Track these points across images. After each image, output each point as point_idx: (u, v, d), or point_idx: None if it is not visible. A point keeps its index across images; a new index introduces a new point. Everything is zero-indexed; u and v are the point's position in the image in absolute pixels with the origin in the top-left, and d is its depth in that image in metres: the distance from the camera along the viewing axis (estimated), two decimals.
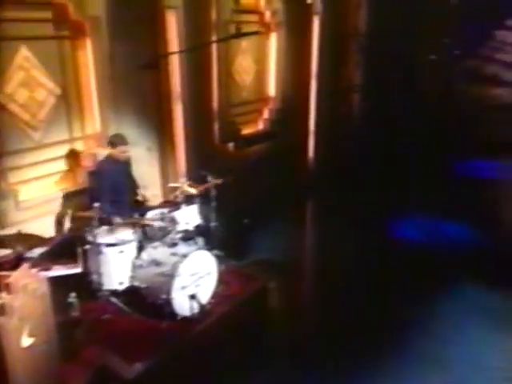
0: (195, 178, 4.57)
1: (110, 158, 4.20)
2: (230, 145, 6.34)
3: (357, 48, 8.15)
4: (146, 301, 3.70)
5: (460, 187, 7.38)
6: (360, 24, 8.12)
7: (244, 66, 6.60)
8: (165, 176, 5.40)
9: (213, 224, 4.32)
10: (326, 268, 5.54)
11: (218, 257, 4.10)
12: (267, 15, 6.72)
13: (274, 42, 6.94)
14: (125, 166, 4.33)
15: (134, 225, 3.87)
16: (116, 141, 4.17)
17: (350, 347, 3.87)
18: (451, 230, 5.96)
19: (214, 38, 5.71)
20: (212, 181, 4.24)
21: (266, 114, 7.07)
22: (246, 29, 6.36)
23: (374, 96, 8.54)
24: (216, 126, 6.06)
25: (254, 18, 6.63)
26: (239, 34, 4.09)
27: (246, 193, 5.86)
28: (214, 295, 3.89)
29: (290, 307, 4.69)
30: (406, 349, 3.87)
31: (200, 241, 4.20)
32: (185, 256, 3.66)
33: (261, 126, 7.05)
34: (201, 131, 5.80)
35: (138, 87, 4.94)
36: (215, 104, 5.98)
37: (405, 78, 9.36)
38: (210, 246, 4.16)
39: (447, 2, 12.10)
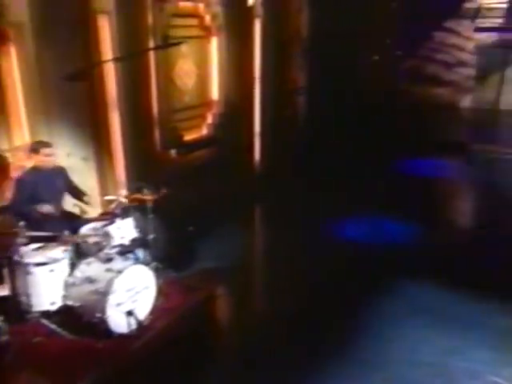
0: (133, 189, 4.52)
1: (34, 169, 4.07)
2: (173, 151, 6.31)
3: (300, 50, 8.31)
4: (81, 320, 3.62)
5: (402, 185, 7.72)
6: (302, 27, 8.29)
7: (185, 70, 6.57)
8: (103, 187, 5.29)
9: (151, 236, 4.28)
10: (272, 272, 5.63)
11: (157, 269, 4.08)
12: (207, 19, 6.72)
13: (215, 46, 6.95)
14: (53, 176, 4.17)
15: (65, 241, 3.77)
16: (37, 146, 4.06)
17: (294, 349, 3.95)
18: (391, 229, 6.20)
19: (151, 43, 5.65)
20: (147, 194, 4.20)
21: (209, 119, 7.08)
22: (185, 33, 6.49)
23: (318, 97, 8.76)
24: (157, 133, 6.01)
25: (193, 21, 6.62)
26: (165, 45, 4.05)
27: (190, 200, 5.86)
28: (153, 309, 3.87)
29: (236, 315, 4.73)
30: (347, 349, 3.99)
31: (138, 254, 4.16)
32: (120, 271, 3.61)
33: (204, 130, 7.04)
34: (141, 139, 5.73)
35: (71, 95, 4.81)
36: (155, 110, 5.93)
37: (348, 79, 9.66)
38: (148, 259, 4.13)
39: (388, 4, 12.60)
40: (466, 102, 13.57)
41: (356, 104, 9.78)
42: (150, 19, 5.59)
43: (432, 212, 6.63)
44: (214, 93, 7.13)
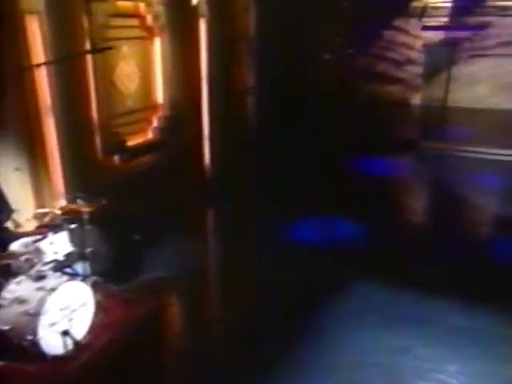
0: (70, 200, 4.36)
1: None
2: (116, 158, 6.14)
3: (248, 50, 8.30)
4: (11, 343, 3.44)
5: (353, 185, 7.86)
6: (249, 26, 8.28)
7: (127, 72, 6.40)
8: (39, 199, 5.06)
9: (89, 249, 4.14)
10: (224, 279, 5.59)
11: (96, 284, 3.95)
12: (149, 19, 6.59)
13: (158, 47, 6.82)
14: None
15: None
16: None
17: (243, 354, 3.95)
18: (340, 229, 6.29)
19: (87, 44, 5.47)
20: (84, 206, 4.05)
21: (155, 123, 6.94)
22: (125, 34, 6.33)
23: (268, 97, 8.78)
24: (98, 139, 5.83)
25: (134, 22, 6.46)
26: (96, 50, 3.93)
27: (136, 207, 5.72)
28: (92, 327, 3.74)
29: (184, 327, 4.66)
30: (296, 354, 4.02)
31: (77, 269, 4.02)
32: (53, 289, 3.46)
33: (150, 135, 6.90)
34: (79, 146, 5.53)
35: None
36: (95, 115, 5.74)
37: (299, 78, 9.75)
38: (87, 273, 3.99)
39: (338, 2, 12.83)
40: (416, 99, 14.05)
41: (307, 103, 9.89)
42: (84, 19, 5.41)
43: (382, 211, 6.79)
44: (159, 95, 7.00)
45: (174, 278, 5.18)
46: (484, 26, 13.45)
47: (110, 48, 4.63)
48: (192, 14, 7.20)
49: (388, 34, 14.52)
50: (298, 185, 7.67)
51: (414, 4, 13.78)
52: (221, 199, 7.40)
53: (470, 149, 9.82)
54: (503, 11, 12.65)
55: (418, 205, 7.66)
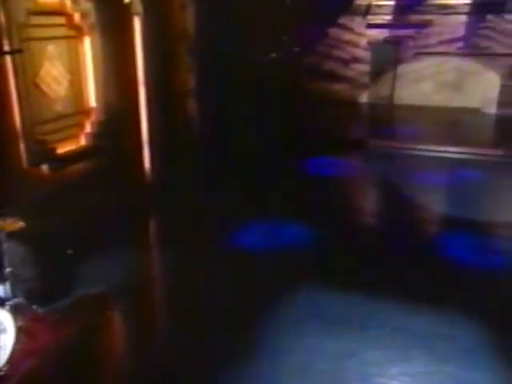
0: None
1: None
2: (44, 167, 5.86)
3: (187, 50, 8.21)
4: None
5: (301, 186, 7.95)
6: (188, 24, 8.19)
7: (54, 75, 6.13)
8: None
9: (8, 270, 3.89)
10: (167, 291, 5.47)
11: (17, 307, 3.72)
12: (76, 17, 6.35)
13: (89, 47, 6.59)
14: None
15: None
16: None
17: (185, 366, 3.87)
18: (289, 231, 6.32)
19: (5, 45, 5.19)
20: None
21: (88, 128, 6.70)
22: (50, 33, 6.07)
23: (212, 99, 8.72)
24: (22, 148, 5.54)
25: (60, 20, 6.21)
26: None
27: (69, 219, 5.49)
28: (13, 355, 3.52)
29: (121, 345, 4.51)
30: (239, 365, 3.96)
31: None
32: None
33: (83, 141, 6.65)
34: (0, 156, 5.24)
35: None
36: (17, 122, 5.46)
37: (244, 78, 9.75)
38: (7, 296, 3.75)
39: (282, 0, 12.98)
40: (363, 97, 14.46)
41: (253, 103, 9.91)
42: (1, 18, 5.13)
43: (327, 211, 6.89)
44: (92, 99, 6.76)
45: (111, 294, 5.00)
46: (426, 24, 14.04)
47: (20, 51, 4.39)
48: (125, 12, 7.02)
49: (334, 32, 14.86)
50: (243, 187, 7.66)
51: (358, 2, 14.21)
52: (163, 205, 7.26)
53: (416, 146, 10.17)
54: (443, 9, 13.26)
55: (363, 205, 7.83)
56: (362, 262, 5.46)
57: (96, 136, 6.77)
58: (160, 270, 6.15)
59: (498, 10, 12.90)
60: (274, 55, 12.12)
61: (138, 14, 7.20)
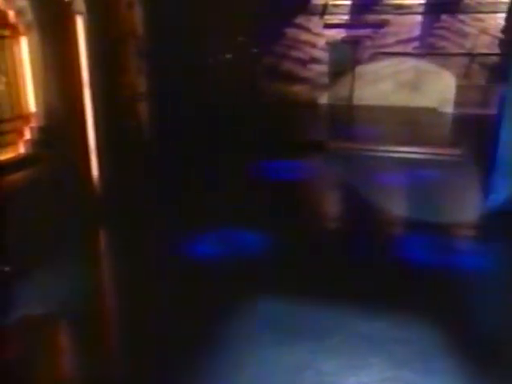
0: None
1: None
2: None
3: (136, 52, 8.05)
4: None
5: (258, 190, 7.91)
6: (136, 24, 8.03)
7: None
8: None
9: None
10: (117, 304, 5.30)
11: None
12: (11, 15, 6.09)
13: (26, 48, 6.33)
14: None
15: None
16: None
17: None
18: (242, 239, 6.26)
19: None
20: None
21: (27, 134, 6.42)
22: None
23: (164, 102, 8.58)
24: None
25: None
26: None
27: (4, 233, 5.25)
28: None
29: (66, 364, 4.32)
30: (194, 379, 3.87)
31: None
32: None
33: (22, 148, 6.37)
34: None
35: None
36: None
37: (198, 80, 9.66)
38: None
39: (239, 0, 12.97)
40: (323, 98, 14.64)
41: (208, 106, 9.83)
42: None
43: (284, 217, 6.88)
44: (31, 103, 6.49)
45: (55, 313, 4.80)
46: (383, 24, 14.38)
47: None
48: (66, 11, 6.80)
49: (291, 32, 14.99)
50: (198, 194, 7.56)
51: (315, 1, 14.40)
52: (111, 216, 7.07)
53: (375, 147, 10.36)
54: (399, 9, 13.62)
55: (321, 208, 7.85)
56: (317, 268, 5.45)
57: (37, 143, 6.51)
58: (107, 285, 5.96)
59: (452, 10, 13.37)
60: (229, 56, 12.10)
61: (80, 13, 6.99)
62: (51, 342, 4.47)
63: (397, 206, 7.43)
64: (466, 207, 7.35)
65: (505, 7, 12.91)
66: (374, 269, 5.42)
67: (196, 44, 9.64)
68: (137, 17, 8.09)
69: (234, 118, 10.08)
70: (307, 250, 5.90)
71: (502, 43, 12.93)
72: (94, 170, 7.36)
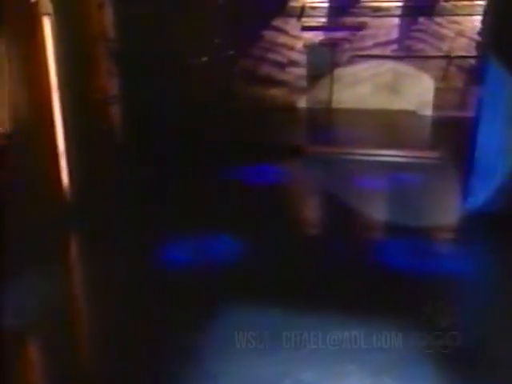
0: None
1: None
2: None
3: (107, 54, 7.95)
4: None
5: (234, 196, 7.86)
6: (107, 26, 7.94)
7: None
8: None
9: None
10: (84, 316, 5.18)
11: None
12: None
13: None
14: None
15: None
16: None
17: None
18: (218, 245, 6.19)
19: None
20: None
21: None
22: None
23: (138, 105, 8.50)
24: None
25: None
26: None
27: None
28: None
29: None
30: None
31: None
32: None
33: None
34: None
35: None
36: None
37: (174, 83, 9.58)
38: None
39: (214, 1, 12.96)
40: (301, 102, 14.69)
41: (184, 109, 9.77)
42: None
43: (261, 223, 6.84)
44: None
45: (24, 325, 4.67)
46: (361, 27, 14.51)
47: None
48: (32, 12, 6.66)
49: (268, 34, 15.01)
50: (173, 200, 7.48)
51: (292, 3, 14.46)
52: (83, 223, 6.94)
53: (355, 151, 10.41)
54: (376, 12, 13.78)
55: (299, 213, 7.84)
56: (293, 275, 5.42)
57: (2, 149, 6.35)
58: (78, 294, 5.84)
59: (429, 12, 13.59)
60: (205, 58, 12.05)
61: (47, 14, 6.87)
62: (17, 354, 4.34)
63: (376, 210, 7.45)
64: (445, 210, 7.42)
65: (481, 9, 13.17)
66: (353, 274, 5.40)
67: (169, 45, 9.58)
68: (107, 18, 8.00)
69: (208, 120, 10.03)
70: (283, 257, 5.85)
71: (479, 45, 13.19)
72: (64, 175, 7.22)
